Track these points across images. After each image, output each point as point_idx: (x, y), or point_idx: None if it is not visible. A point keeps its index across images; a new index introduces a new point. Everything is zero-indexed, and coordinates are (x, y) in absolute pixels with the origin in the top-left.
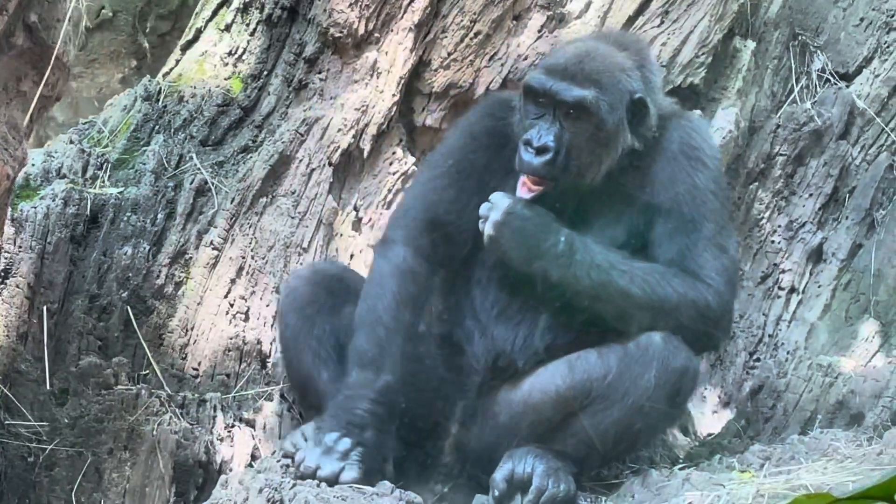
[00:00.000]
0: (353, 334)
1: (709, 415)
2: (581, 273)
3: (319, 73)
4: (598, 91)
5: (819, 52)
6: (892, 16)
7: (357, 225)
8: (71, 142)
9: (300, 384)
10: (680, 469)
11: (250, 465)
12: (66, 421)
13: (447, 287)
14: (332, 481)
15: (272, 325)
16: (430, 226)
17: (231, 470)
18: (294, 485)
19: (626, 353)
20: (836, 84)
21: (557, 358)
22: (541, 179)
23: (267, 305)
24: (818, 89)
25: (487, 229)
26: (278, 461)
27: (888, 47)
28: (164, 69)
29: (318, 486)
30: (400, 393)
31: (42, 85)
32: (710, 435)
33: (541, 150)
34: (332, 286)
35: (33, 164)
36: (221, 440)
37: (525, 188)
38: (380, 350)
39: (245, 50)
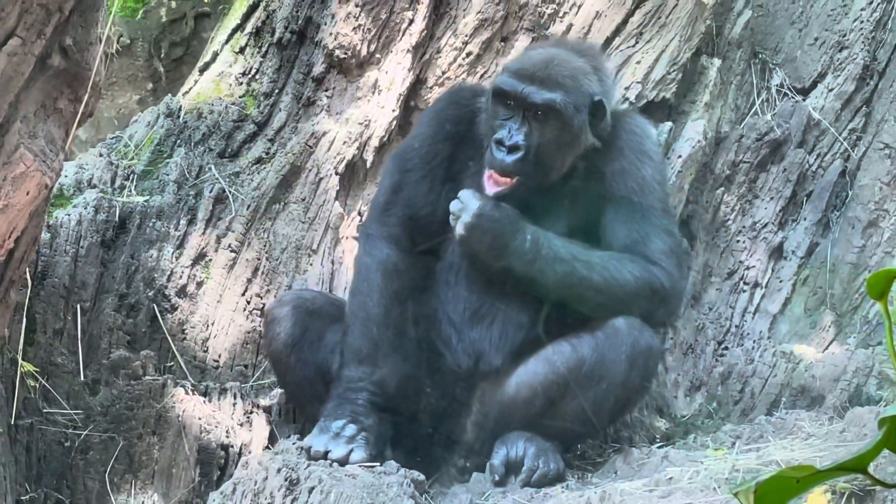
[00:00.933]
0: (347, 329)
1: (682, 399)
2: (546, 267)
3: (326, 90)
4: (564, 94)
5: (778, 68)
6: (844, 35)
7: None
8: (100, 155)
9: (295, 402)
10: (658, 448)
11: (268, 448)
12: (99, 409)
13: (422, 286)
14: (343, 462)
15: None
16: (410, 221)
17: (250, 452)
18: (309, 465)
19: (597, 342)
20: (793, 98)
21: (532, 351)
22: (508, 177)
23: None
24: (777, 103)
25: (459, 229)
26: (294, 444)
27: (840, 64)
28: (184, 88)
29: (330, 465)
30: (394, 384)
31: (82, 104)
32: (684, 417)
33: (512, 149)
34: (312, 321)
35: (66, 176)
36: (241, 425)
37: (492, 182)
38: (374, 346)
39: (258, 70)
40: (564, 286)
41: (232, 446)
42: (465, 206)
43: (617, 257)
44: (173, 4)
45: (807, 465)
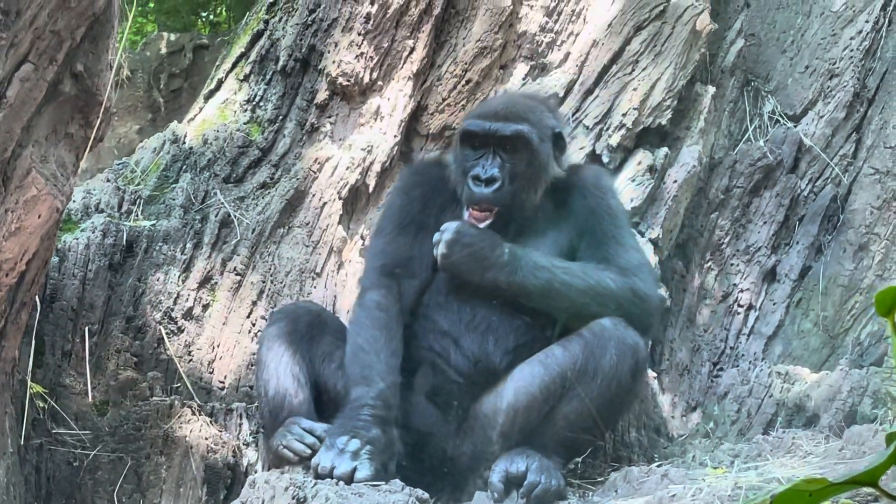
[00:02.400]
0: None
1: (679, 419)
2: (528, 275)
3: (329, 117)
4: (529, 125)
5: (770, 96)
6: (834, 64)
7: (364, 252)
8: (107, 180)
9: (274, 403)
10: (657, 466)
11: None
12: (107, 429)
13: (413, 315)
14: (348, 479)
15: None
16: (391, 268)
17: (257, 471)
18: (315, 483)
19: (586, 341)
20: (785, 124)
21: (527, 351)
22: (488, 209)
23: None
24: (769, 129)
25: (441, 248)
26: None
27: (830, 91)
28: (189, 115)
29: (336, 484)
30: (393, 394)
31: (93, 129)
32: (681, 436)
33: (489, 181)
34: (310, 328)
35: (74, 201)
36: (247, 445)
37: (472, 219)
38: (367, 368)
39: (262, 97)
40: (548, 292)
41: (238, 465)
42: (446, 230)
43: (594, 265)
44: (172, 37)
45: (820, 479)
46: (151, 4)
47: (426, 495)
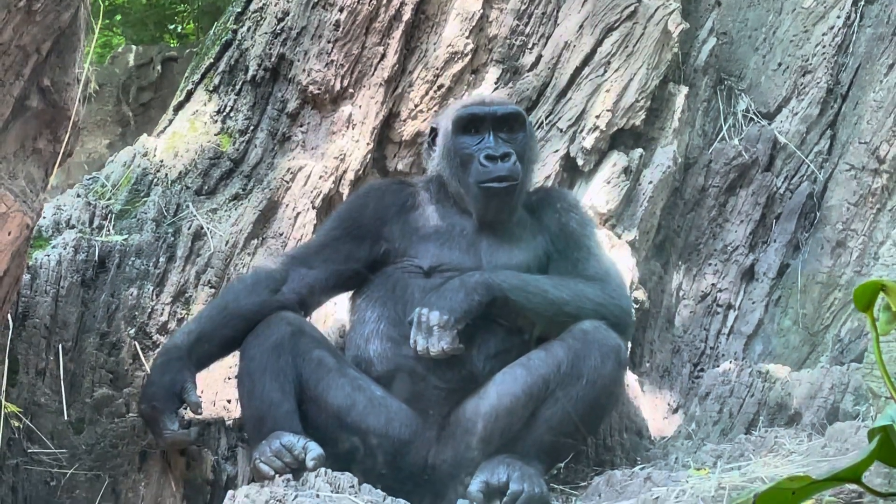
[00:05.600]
0: None
1: (660, 420)
2: (503, 283)
3: (301, 126)
4: (517, 107)
5: (743, 94)
6: (807, 60)
7: None
8: (78, 195)
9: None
10: (640, 469)
11: (254, 481)
12: (84, 447)
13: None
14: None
15: None
16: (297, 260)
17: (237, 485)
18: (297, 496)
19: (569, 345)
20: (759, 122)
21: (508, 357)
22: (507, 181)
23: None
24: (744, 127)
25: (441, 316)
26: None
27: (804, 88)
28: (159, 128)
29: (317, 496)
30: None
31: (62, 144)
32: (663, 438)
33: (504, 157)
34: (292, 339)
35: (44, 217)
36: (226, 459)
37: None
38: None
39: (232, 108)
40: (526, 296)
41: (218, 481)
42: (427, 313)
43: (563, 277)
44: (140, 50)
45: (803, 476)
46: (119, 17)
47: None
